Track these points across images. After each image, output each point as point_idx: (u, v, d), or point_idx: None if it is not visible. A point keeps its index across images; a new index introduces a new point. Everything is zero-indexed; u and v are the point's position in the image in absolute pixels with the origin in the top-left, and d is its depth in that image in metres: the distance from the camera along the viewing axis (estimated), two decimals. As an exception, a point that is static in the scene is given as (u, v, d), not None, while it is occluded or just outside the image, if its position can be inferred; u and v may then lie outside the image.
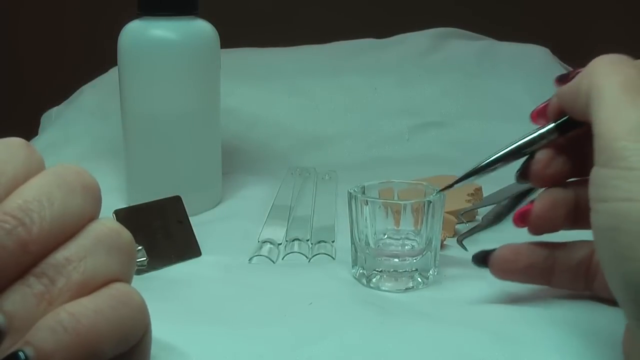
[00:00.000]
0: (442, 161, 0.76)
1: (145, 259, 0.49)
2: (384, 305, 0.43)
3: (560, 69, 0.94)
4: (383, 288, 0.46)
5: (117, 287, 0.24)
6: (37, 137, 0.86)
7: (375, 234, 0.46)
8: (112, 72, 0.88)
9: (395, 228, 0.46)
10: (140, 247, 0.48)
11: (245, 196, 0.67)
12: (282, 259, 0.52)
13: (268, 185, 0.68)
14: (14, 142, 0.25)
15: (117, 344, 0.23)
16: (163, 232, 0.52)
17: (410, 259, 0.46)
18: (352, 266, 0.48)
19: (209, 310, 0.43)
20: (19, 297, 0.22)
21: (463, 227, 0.56)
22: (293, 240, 0.54)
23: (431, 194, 0.46)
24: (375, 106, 0.86)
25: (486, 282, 0.47)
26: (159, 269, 0.50)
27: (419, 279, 0.46)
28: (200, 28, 0.61)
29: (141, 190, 0.61)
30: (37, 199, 0.23)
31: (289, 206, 0.62)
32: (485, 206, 0.57)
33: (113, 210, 0.50)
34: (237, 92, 0.85)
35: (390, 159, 0.78)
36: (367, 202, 0.45)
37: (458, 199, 0.60)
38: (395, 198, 0.48)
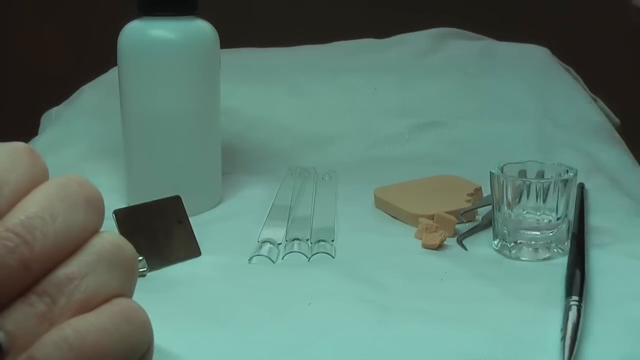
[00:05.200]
0: (442, 161, 0.76)
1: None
2: (383, 304, 0.43)
3: (560, 69, 0.94)
4: (523, 258, 0.50)
5: (121, 304, 0.24)
6: (37, 137, 0.86)
7: (515, 209, 0.50)
8: (112, 72, 0.87)
9: (533, 204, 0.50)
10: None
11: (245, 196, 0.67)
12: (282, 258, 0.52)
13: (268, 185, 0.68)
14: (18, 149, 0.24)
15: None
16: (163, 232, 0.52)
17: (547, 231, 0.50)
18: (493, 239, 0.52)
19: (209, 310, 0.43)
20: (21, 316, 0.22)
21: (463, 227, 0.56)
22: (293, 240, 0.54)
23: (565, 173, 0.51)
24: (375, 106, 0.86)
25: (487, 281, 0.47)
26: (158, 269, 0.50)
27: (555, 250, 0.50)
28: (200, 28, 0.61)
29: (141, 190, 0.61)
30: (40, 214, 0.23)
31: (289, 206, 0.62)
32: (485, 206, 0.57)
33: (113, 210, 0.50)
34: (237, 92, 0.85)
35: (390, 159, 0.78)
36: (508, 180, 0.50)
37: (458, 199, 0.60)
38: (532, 177, 0.53)
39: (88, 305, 0.23)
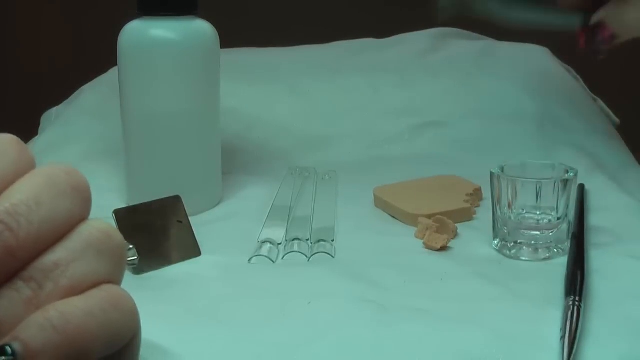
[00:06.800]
0: (442, 161, 0.76)
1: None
2: (382, 304, 0.43)
3: (560, 68, 0.94)
4: (523, 258, 0.50)
5: (108, 290, 0.24)
6: (37, 137, 0.86)
7: (515, 209, 0.51)
8: (112, 72, 0.87)
9: (533, 204, 0.51)
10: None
11: (245, 196, 0.67)
12: (282, 258, 0.52)
13: (268, 185, 0.68)
14: (4, 140, 0.25)
15: (105, 346, 0.23)
16: (163, 232, 0.52)
17: (547, 231, 0.50)
18: (494, 239, 0.52)
19: (208, 310, 0.44)
20: (7, 302, 0.22)
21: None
22: (293, 240, 0.54)
23: (565, 174, 0.51)
24: (375, 106, 0.86)
25: (487, 280, 0.47)
26: (158, 269, 0.50)
27: (555, 250, 0.50)
28: (200, 28, 0.61)
29: (141, 190, 0.61)
30: (25, 202, 0.23)
31: (289, 206, 0.62)
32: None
33: (113, 210, 0.50)
34: (237, 92, 0.85)
35: (390, 159, 0.78)
36: (508, 180, 0.50)
37: (457, 199, 0.60)
38: (533, 177, 0.53)
39: (75, 292, 0.23)
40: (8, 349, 0.21)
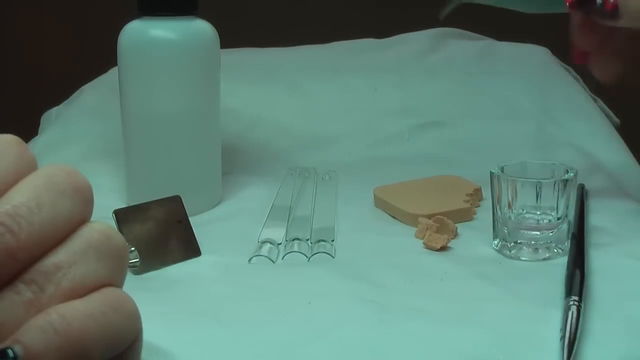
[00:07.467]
0: (442, 161, 0.76)
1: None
2: (383, 304, 0.43)
3: (560, 69, 0.94)
4: (523, 258, 0.50)
5: (109, 292, 0.24)
6: (37, 137, 0.86)
7: (515, 209, 0.51)
8: (112, 72, 0.87)
9: (533, 204, 0.51)
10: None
11: (245, 196, 0.67)
12: (282, 258, 0.52)
13: (268, 185, 0.68)
14: (5, 140, 0.25)
15: (106, 349, 0.23)
16: (163, 232, 0.52)
17: (547, 231, 0.50)
18: (494, 239, 0.52)
19: (208, 310, 0.44)
20: (7, 304, 0.22)
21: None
22: (293, 240, 0.54)
23: (565, 173, 0.51)
24: (375, 106, 0.86)
25: (487, 280, 0.47)
26: (158, 269, 0.50)
27: (555, 250, 0.50)
28: (200, 28, 0.61)
29: (141, 190, 0.61)
30: (26, 204, 0.23)
31: (289, 206, 0.62)
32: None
33: (113, 210, 0.50)
34: (237, 92, 0.85)
35: (390, 159, 0.78)
36: (508, 180, 0.50)
37: (457, 199, 0.60)
38: (532, 177, 0.53)
39: (76, 294, 0.23)
40: (9, 351, 0.21)
